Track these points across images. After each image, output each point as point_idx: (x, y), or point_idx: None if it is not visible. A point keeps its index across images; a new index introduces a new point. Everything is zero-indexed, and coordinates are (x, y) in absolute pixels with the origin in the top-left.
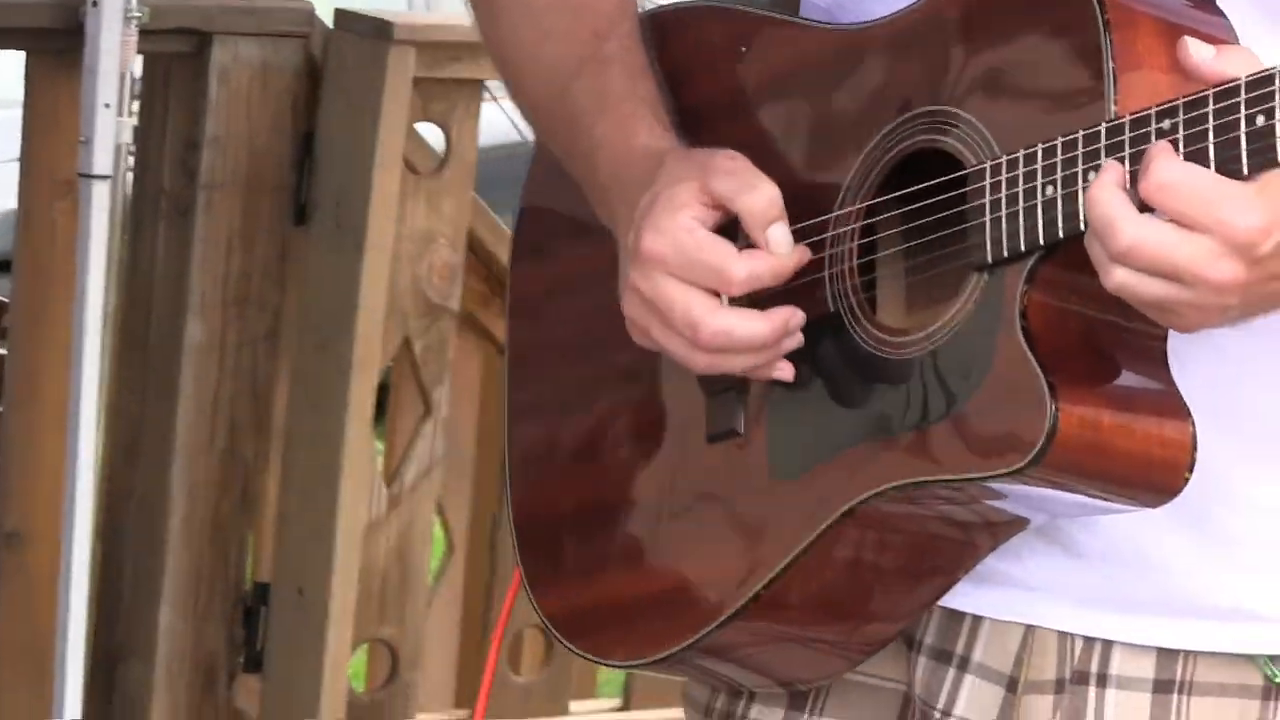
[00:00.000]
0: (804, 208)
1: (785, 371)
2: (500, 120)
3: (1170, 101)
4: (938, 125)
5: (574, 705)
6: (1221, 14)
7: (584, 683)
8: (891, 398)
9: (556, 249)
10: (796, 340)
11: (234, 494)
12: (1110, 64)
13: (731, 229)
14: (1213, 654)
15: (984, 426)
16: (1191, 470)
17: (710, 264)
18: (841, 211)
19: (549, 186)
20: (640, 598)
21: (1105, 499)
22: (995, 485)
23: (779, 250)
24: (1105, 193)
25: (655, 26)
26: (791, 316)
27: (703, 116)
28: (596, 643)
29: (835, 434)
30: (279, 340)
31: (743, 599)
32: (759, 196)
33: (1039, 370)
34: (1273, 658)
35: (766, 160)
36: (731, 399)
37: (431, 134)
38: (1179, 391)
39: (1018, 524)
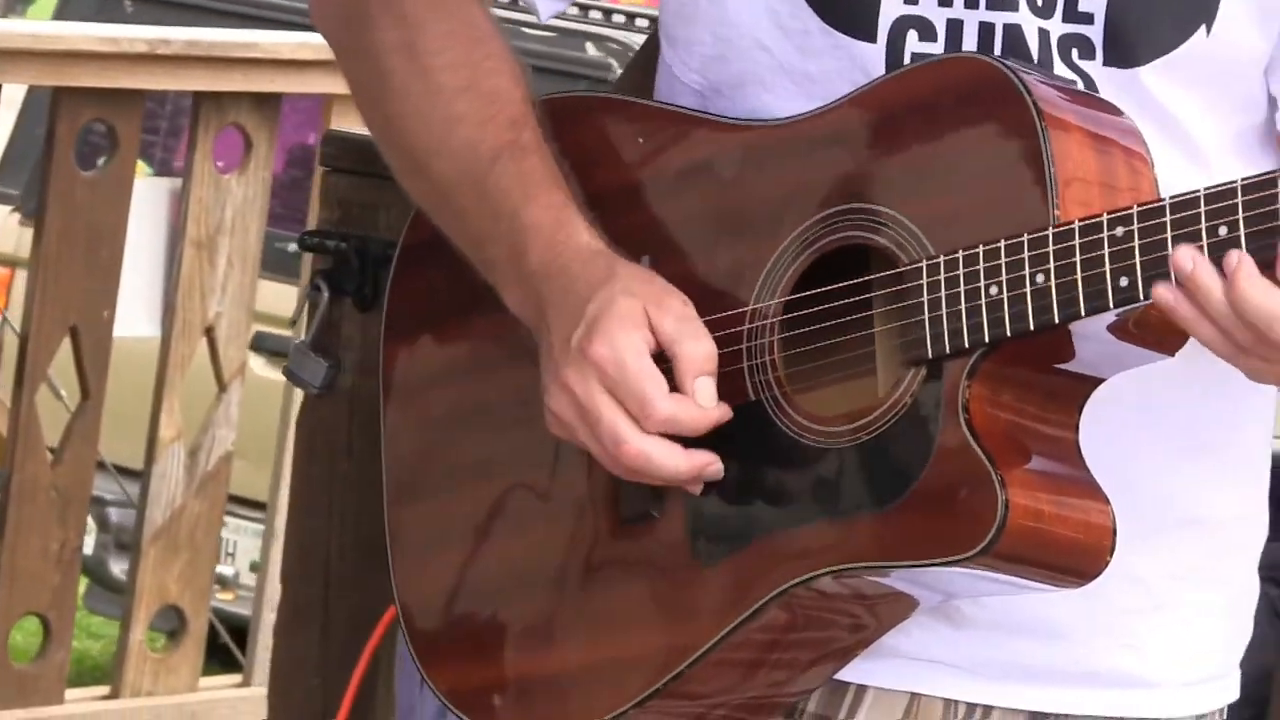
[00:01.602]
0: (717, 299)
1: (716, 474)
2: None
3: (1124, 209)
4: (863, 222)
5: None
6: (1135, 128)
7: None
8: (824, 486)
9: (437, 326)
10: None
11: None
12: (1051, 168)
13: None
14: (1087, 716)
15: (928, 516)
16: (1113, 553)
17: (641, 392)
18: (760, 305)
19: (428, 266)
20: (548, 676)
21: (1033, 583)
22: (934, 572)
23: (703, 401)
24: (1259, 287)
25: (549, 114)
26: (710, 464)
27: (601, 205)
28: (498, 718)
29: (761, 520)
30: None
31: (661, 680)
32: (698, 348)
33: (987, 462)
34: None
35: (674, 251)
36: (645, 485)
37: None
38: (1094, 477)
39: (911, 604)
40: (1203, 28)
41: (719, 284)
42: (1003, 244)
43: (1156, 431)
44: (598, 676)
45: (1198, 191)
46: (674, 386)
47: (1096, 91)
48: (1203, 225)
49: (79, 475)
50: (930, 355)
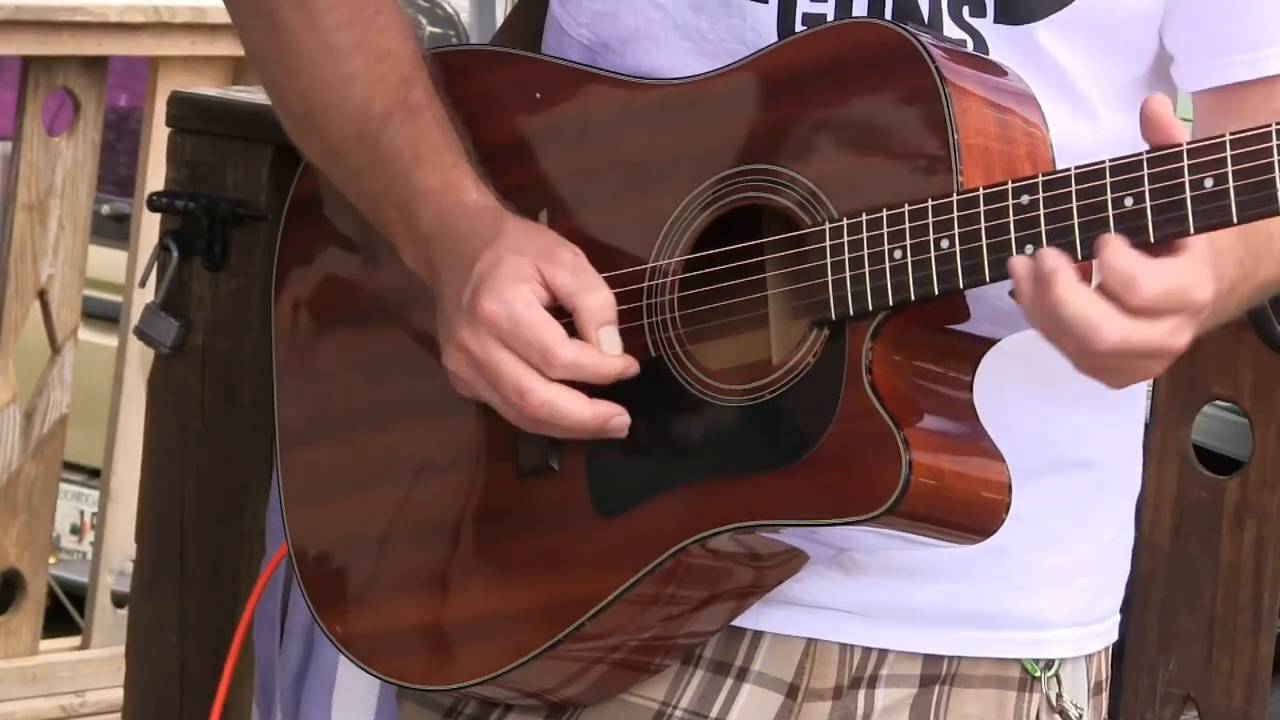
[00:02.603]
0: (616, 256)
1: (621, 426)
2: None
3: (1029, 179)
4: (764, 183)
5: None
6: (1031, 93)
7: None
8: (726, 442)
9: (330, 277)
10: (620, 430)
11: None
12: (954, 135)
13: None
14: (981, 658)
15: (831, 475)
16: (1008, 511)
17: (539, 340)
18: (660, 263)
19: (319, 217)
20: (446, 624)
21: (931, 540)
22: (834, 530)
23: (609, 350)
24: (1078, 295)
25: (443, 68)
26: (615, 415)
27: (497, 160)
28: (394, 665)
29: (662, 475)
30: None
31: (561, 633)
32: (597, 298)
33: (891, 422)
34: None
35: (571, 207)
36: (543, 438)
37: None
38: (989, 435)
39: (805, 559)
40: None
41: (617, 240)
42: (906, 209)
43: (1036, 376)
44: (496, 626)
45: (1103, 162)
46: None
47: (987, 49)
48: (1109, 196)
49: None
50: (834, 316)
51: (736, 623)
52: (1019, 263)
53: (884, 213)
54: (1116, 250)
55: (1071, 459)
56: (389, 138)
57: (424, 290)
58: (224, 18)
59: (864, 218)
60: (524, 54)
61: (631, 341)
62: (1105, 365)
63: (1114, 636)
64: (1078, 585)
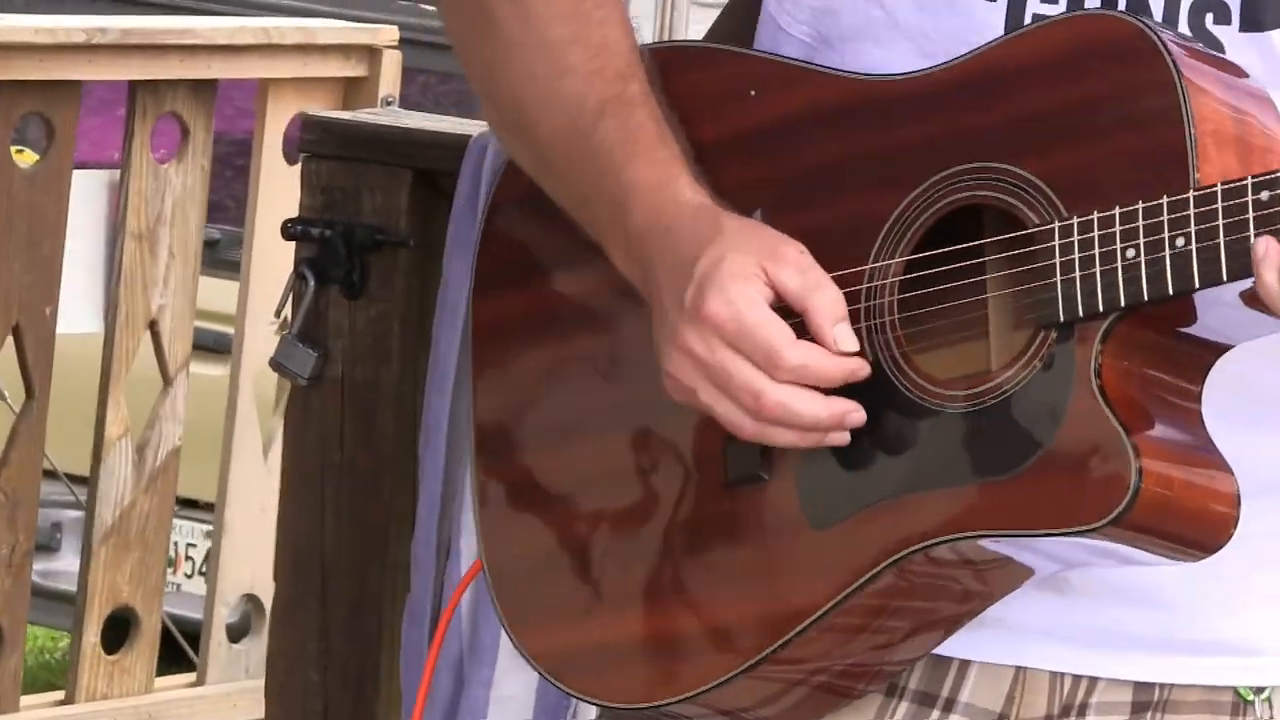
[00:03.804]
0: (833, 257)
1: (859, 420)
2: None
3: (1269, 173)
4: (989, 182)
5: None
6: (1266, 92)
7: None
8: (946, 450)
9: (533, 282)
10: (844, 437)
11: None
12: (1191, 130)
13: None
14: (1193, 685)
15: (1056, 483)
16: (1237, 525)
17: (767, 342)
18: (880, 264)
19: (522, 220)
20: (649, 640)
21: (1156, 554)
22: (1058, 541)
23: (845, 348)
24: None
25: (657, 65)
26: (852, 412)
27: (711, 159)
28: (591, 684)
29: (878, 483)
30: None
31: (770, 647)
32: (830, 295)
33: (1121, 428)
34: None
35: (787, 206)
36: (754, 445)
37: None
38: (1217, 447)
39: (1027, 574)
40: None
41: (835, 241)
42: (1140, 206)
43: (1253, 393)
44: (702, 642)
45: None
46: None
47: (1224, 54)
48: None
49: (26, 477)
50: (1062, 318)
51: (942, 651)
52: (1262, 243)
53: (1116, 210)
54: None
55: None
56: (602, 133)
57: (629, 296)
58: (334, 38)
59: (1095, 216)
60: (739, 50)
61: None
62: None
63: None
64: None
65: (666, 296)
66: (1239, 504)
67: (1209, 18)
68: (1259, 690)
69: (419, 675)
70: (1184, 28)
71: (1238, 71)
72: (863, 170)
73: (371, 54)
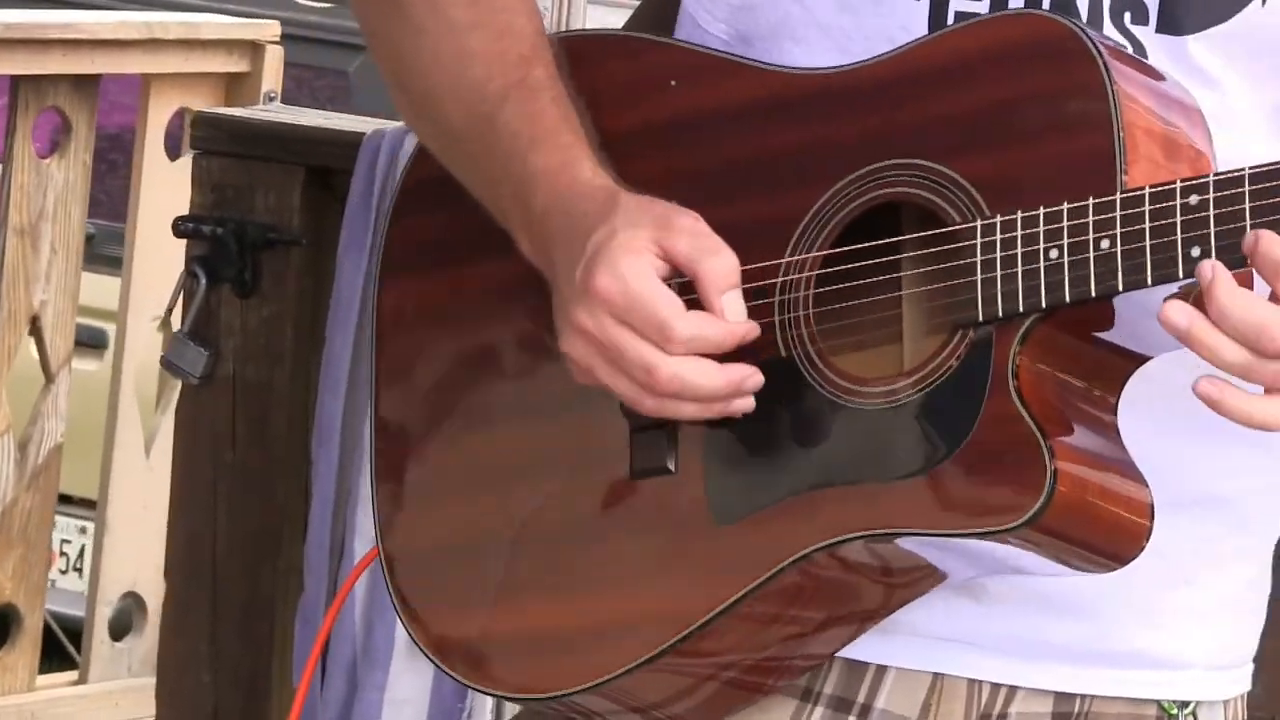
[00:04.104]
0: (749, 250)
1: (756, 384)
2: None
3: (1199, 178)
4: (911, 179)
5: None
6: (1194, 100)
7: None
8: (858, 447)
9: (440, 271)
10: (749, 403)
11: None
12: (1120, 133)
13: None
14: (1115, 698)
15: (970, 484)
16: (1149, 537)
17: (655, 315)
18: (796, 258)
19: (431, 206)
20: (551, 631)
21: (1070, 562)
22: (969, 543)
23: (733, 318)
24: (1239, 299)
25: (569, 52)
26: (749, 376)
27: (626, 147)
28: (490, 675)
29: (787, 480)
30: None
31: (672, 639)
32: (720, 262)
33: (1037, 430)
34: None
35: (704, 198)
36: (661, 436)
37: None
38: (1131, 458)
39: (938, 577)
40: None
41: (752, 235)
42: (1065, 207)
43: (1176, 407)
44: (605, 633)
45: (1276, 164)
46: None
47: (1145, 56)
48: None
49: None
50: (981, 318)
51: (859, 656)
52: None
53: (1040, 210)
54: (1271, 241)
55: (1208, 495)
56: (506, 117)
57: (536, 285)
58: (217, 33)
59: (1019, 215)
60: (661, 40)
61: (762, 340)
62: None
63: (1248, 685)
64: (1213, 626)
65: (562, 277)
66: (1153, 515)
67: (1127, 16)
68: (1183, 705)
69: (313, 679)
70: (1107, 25)
71: (1161, 76)
72: (782, 164)
73: (254, 49)
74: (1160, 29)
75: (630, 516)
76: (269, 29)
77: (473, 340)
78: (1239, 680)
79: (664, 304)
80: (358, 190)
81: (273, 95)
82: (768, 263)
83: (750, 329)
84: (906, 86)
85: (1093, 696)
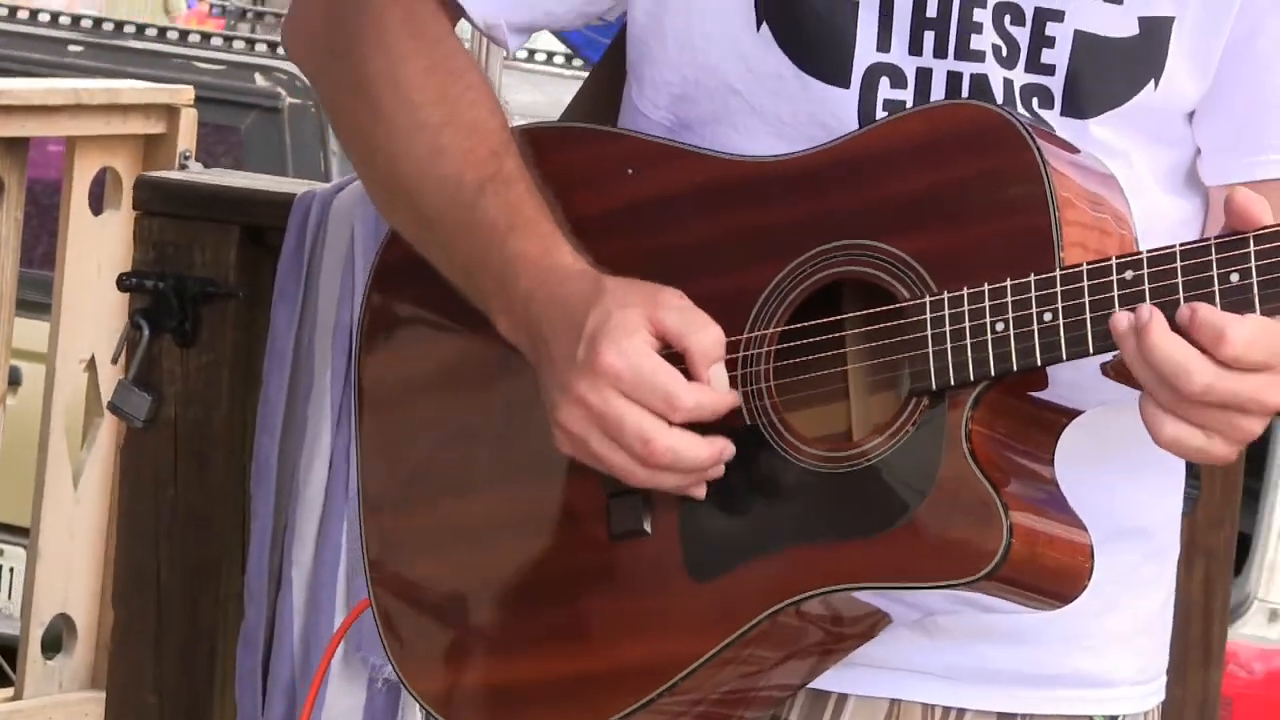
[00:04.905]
0: None
1: (700, 492)
2: None
3: (1132, 254)
4: (862, 257)
5: None
6: (1115, 176)
7: None
8: (825, 508)
9: (418, 344)
10: (719, 472)
11: None
12: (1056, 213)
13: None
14: (1052, 715)
15: (930, 540)
16: (1091, 576)
17: (664, 388)
18: (756, 333)
19: (406, 284)
20: (534, 684)
21: (1022, 603)
22: (924, 594)
23: (720, 388)
24: (1170, 340)
25: (531, 143)
26: (726, 447)
27: (592, 232)
28: None
29: (757, 540)
30: None
31: (654, 692)
32: (707, 337)
33: (992, 489)
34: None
35: (667, 278)
36: (637, 500)
37: None
38: (1069, 504)
39: (888, 620)
40: (1151, 83)
41: (713, 312)
42: (1009, 283)
43: (1103, 446)
44: (584, 687)
45: (1208, 240)
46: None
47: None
48: (1215, 272)
49: None
50: (935, 386)
51: (822, 686)
52: (1120, 317)
53: (985, 286)
54: (1207, 308)
55: (1132, 526)
56: (483, 208)
57: (513, 357)
58: (137, 98)
59: (965, 291)
60: (614, 130)
61: (727, 412)
62: (1203, 422)
63: (1163, 694)
64: (1137, 646)
65: (557, 355)
66: (1093, 557)
67: (1035, 101)
68: (1112, 718)
69: (253, 698)
70: (1018, 110)
71: (1092, 157)
72: (739, 246)
73: (170, 112)
74: (1065, 113)
75: (611, 575)
76: (184, 93)
77: (452, 409)
78: (1156, 691)
79: (670, 378)
80: (289, 246)
81: (187, 154)
82: (731, 338)
83: (736, 398)
84: (854, 171)
85: (1032, 715)
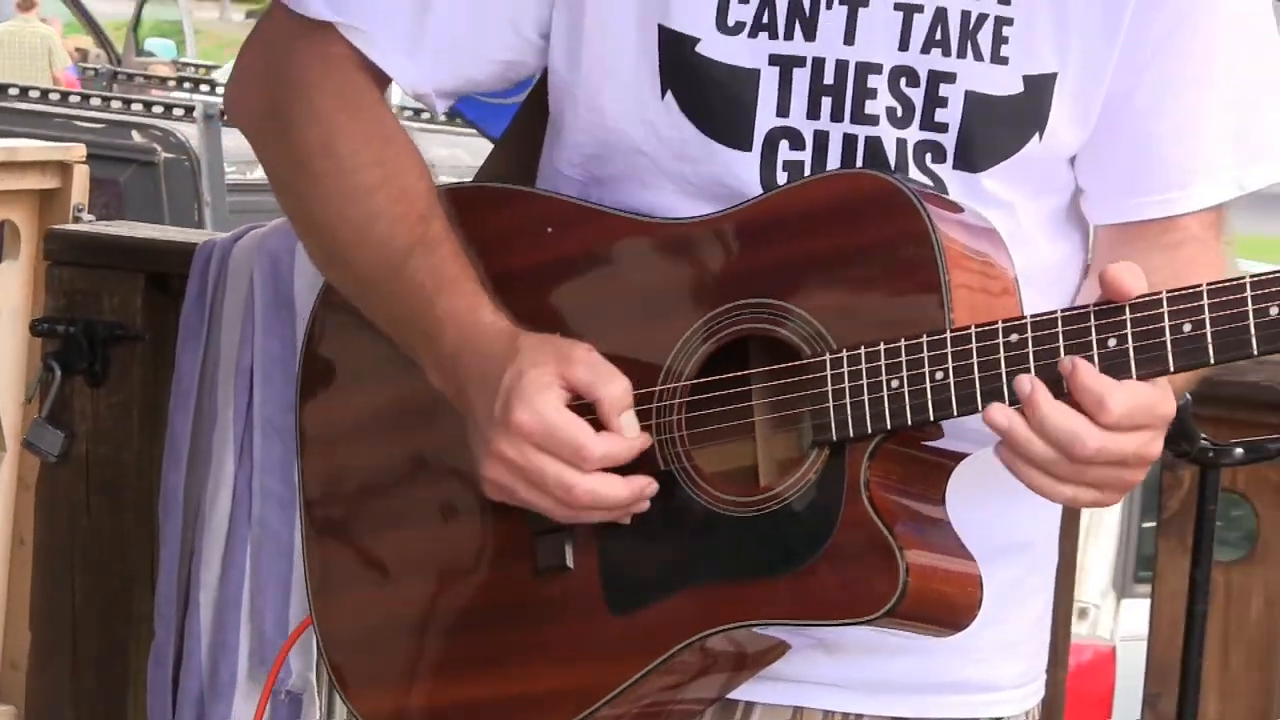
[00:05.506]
0: (627, 376)
1: (653, 490)
2: None
3: (1018, 319)
4: (767, 315)
5: None
6: (999, 235)
7: None
8: (733, 549)
9: (356, 385)
10: (644, 506)
11: None
12: (945, 276)
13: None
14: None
15: (832, 580)
16: (980, 606)
17: (573, 440)
18: (668, 385)
19: (341, 333)
20: (466, 706)
21: (917, 633)
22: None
23: (630, 435)
24: (1058, 411)
25: (455, 203)
26: (648, 485)
27: (513, 288)
28: None
29: (672, 577)
30: None
31: (582, 712)
32: (615, 388)
33: (888, 534)
34: None
35: (585, 332)
36: (560, 538)
37: None
38: (960, 539)
39: (786, 646)
40: (1036, 135)
41: (627, 364)
42: (903, 343)
43: (985, 475)
44: (514, 710)
45: (1088, 307)
46: (599, 427)
47: (945, 191)
48: (1094, 337)
49: None
50: (835, 438)
51: (730, 695)
52: (996, 408)
53: (881, 346)
54: (1086, 371)
55: (1015, 542)
56: (411, 270)
57: (443, 405)
58: (33, 156)
59: (862, 350)
60: (534, 191)
61: (644, 457)
62: (1091, 479)
63: (1043, 692)
64: (1020, 652)
65: (478, 410)
66: (981, 588)
67: (929, 156)
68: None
69: (163, 710)
70: (911, 166)
71: (979, 218)
72: (653, 302)
73: (64, 168)
74: (957, 166)
75: (538, 607)
76: (76, 150)
77: (388, 447)
78: (1036, 691)
79: (578, 431)
80: (192, 292)
81: (80, 207)
82: (644, 389)
83: (645, 441)
84: (760, 234)
85: (925, 719)
